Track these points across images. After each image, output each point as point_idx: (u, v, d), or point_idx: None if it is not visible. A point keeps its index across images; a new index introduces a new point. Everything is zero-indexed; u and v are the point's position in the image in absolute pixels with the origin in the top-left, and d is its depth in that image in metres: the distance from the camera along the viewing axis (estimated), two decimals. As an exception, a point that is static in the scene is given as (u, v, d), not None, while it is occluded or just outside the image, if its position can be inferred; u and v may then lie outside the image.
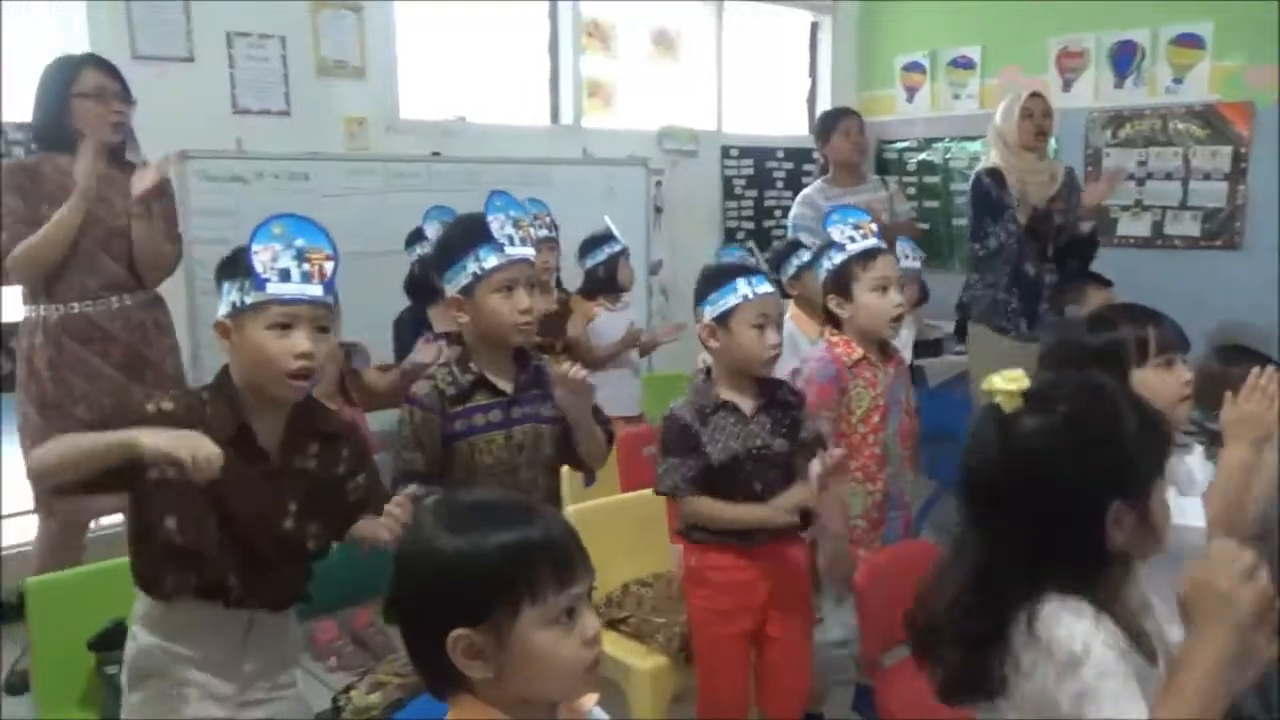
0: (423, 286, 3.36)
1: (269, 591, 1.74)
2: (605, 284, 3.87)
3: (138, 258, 2.93)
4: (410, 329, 3.34)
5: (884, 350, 2.55)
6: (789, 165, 5.98)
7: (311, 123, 4.09)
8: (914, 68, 5.98)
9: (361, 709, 2.06)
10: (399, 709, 2.11)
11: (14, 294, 2.99)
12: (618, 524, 2.73)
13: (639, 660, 2.44)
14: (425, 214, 3.46)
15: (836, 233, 2.52)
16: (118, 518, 3.07)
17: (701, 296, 2.24)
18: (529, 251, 2.04)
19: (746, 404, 2.20)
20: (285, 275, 1.63)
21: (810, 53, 6.22)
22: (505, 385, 2.04)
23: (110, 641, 2.13)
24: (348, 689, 2.14)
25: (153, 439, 1.52)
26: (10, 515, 3.33)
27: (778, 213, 5.90)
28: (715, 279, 2.23)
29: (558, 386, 1.99)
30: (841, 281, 2.50)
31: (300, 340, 1.65)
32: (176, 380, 3.06)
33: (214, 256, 3.59)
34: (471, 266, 1.99)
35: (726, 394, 2.19)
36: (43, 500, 2.88)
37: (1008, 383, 1.28)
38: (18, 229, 2.78)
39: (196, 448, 1.51)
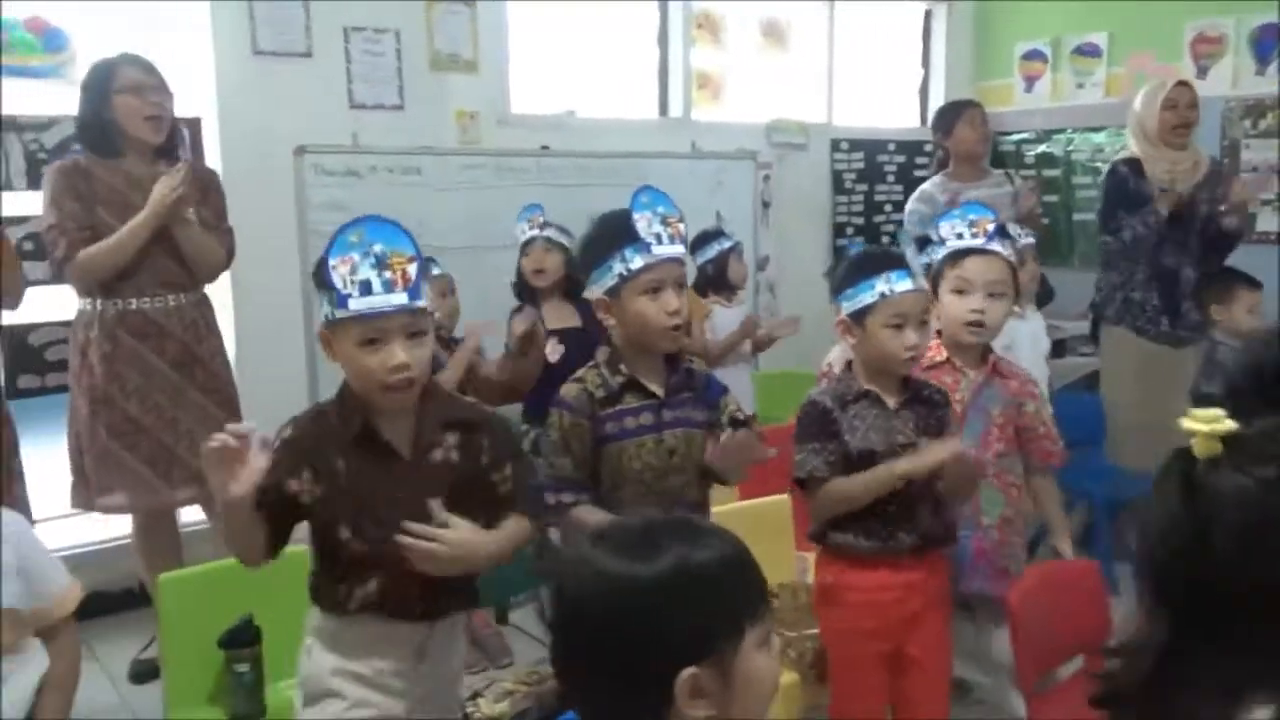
0: (524, 284, 3.32)
1: (439, 595, 1.68)
2: (716, 280, 3.80)
3: (188, 259, 2.95)
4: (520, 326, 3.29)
5: (980, 356, 2.39)
6: (900, 159, 5.80)
7: (424, 117, 4.09)
8: (1034, 56, 5.73)
9: (490, 718, 2.01)
10: (526, 717, 2.07)
11: (66, 289, 3.03)
12: (739, 530, 2.63)
13: (769, 676, 2.34)
14: (519, 212, 3.42)
15: (946, 228, 2.38)
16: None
17: (839, 289, 2.13)
18: (678, 250, 1.94)
19: (890, 398, 2.09)
20: (367, 288, 1.55)
21: (924, 42, 6.02)
22: (656, 388, 1.96)
23: (239, 639, 2.13)
24: (474, 696, 2.10)
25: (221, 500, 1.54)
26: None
27: (888, 207, 5.73)
28: (853, 272, 2.11)
29: (726, 453, 1.88)
30: (933, 280, 2.38)
31: (393, 353, 1.58)
32: (224, 380, 3.10)
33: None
34: (617, 267, 1.91)
35: (869, 384, 2.08)
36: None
37: (1204, 422, 0.93)
38: (81, 234, 2.82)
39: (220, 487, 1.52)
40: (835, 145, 5.55)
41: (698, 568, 0.99)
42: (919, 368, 2.23)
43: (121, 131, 2.87)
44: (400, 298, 1.56)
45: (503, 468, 1.75)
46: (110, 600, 3.33)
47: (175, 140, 3.02)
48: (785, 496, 2.77)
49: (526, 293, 3.36)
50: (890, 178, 5.78)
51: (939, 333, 2.36)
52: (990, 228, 2.33)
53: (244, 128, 3.69)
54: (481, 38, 4.23)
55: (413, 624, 1.68)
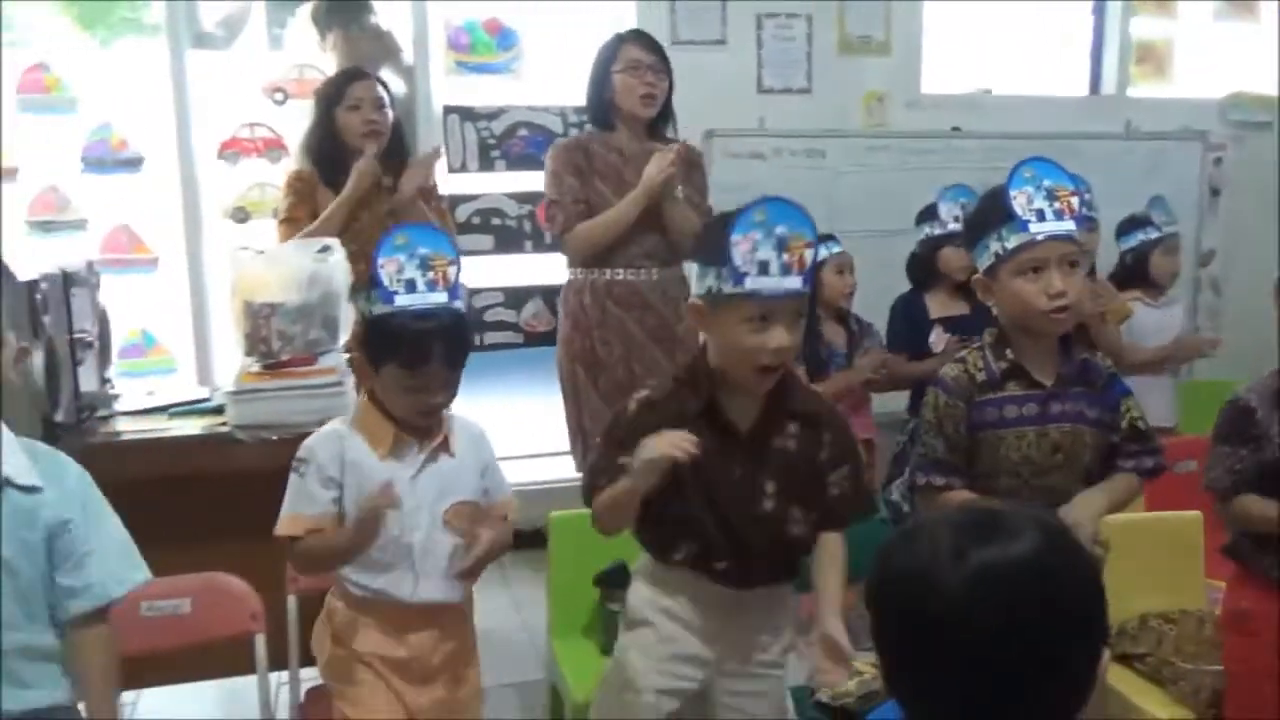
0: (926, 269, 3.20)
1: (752, 572, 1.72)
2: (1133, 274, 3.41)
3: (671, 234, 2.99)
4: (903, 314, 3.20)
5: None
6: (1401, 138, 4.84)
7: (831, 100, 4.09)
8: None
9: (838, 694, 2.00)
10: (874, 701, 2.03)
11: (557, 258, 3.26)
12: (1140, 545, 2.37)
13: (1157, 708, 2.09)
14: (942, 191, 3.28)
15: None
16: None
17: None
18: (1066, 226, 1.77)
19: None
20: (764, 268, 1.54)
21: None
22: (1044, 377, 1.83)
23: (613, 580, 2.30)
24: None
25: (643, 478, 1.58)
26: (538, 455, 3.76)
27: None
28: None
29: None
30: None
31: (777, 335, 1.59)
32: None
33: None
34: (993, 246, 1.80)
35: None
36: None
37: None
38: (576, 208, 2.98)
39: (672, 447, 1.55)
40: (1310, 123, 4.76)
41: (1072, 543, 0.92)
42: None
43: (617, 107, 2.99)
44: (794, 282, 1.57)
45: (840, 468, 1.73)
46: (525, 536, 3.71)
47: (667, 117, 3.10)
48: (1198, 514, 2.45)
49: (921, 276, 3.25)
50: (1385, 161, 4.84)
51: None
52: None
53: (662, 113, 3.93)
54: (895, 17, 4.14)
55: (723, 587, 1.72)
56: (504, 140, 3.79)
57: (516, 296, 3.88)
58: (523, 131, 3.81)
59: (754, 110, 3.96)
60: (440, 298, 1.69)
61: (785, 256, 1.54)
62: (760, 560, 1.71)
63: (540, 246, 3.85)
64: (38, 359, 2.11)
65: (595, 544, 2.31)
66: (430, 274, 1.68)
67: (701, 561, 1.70)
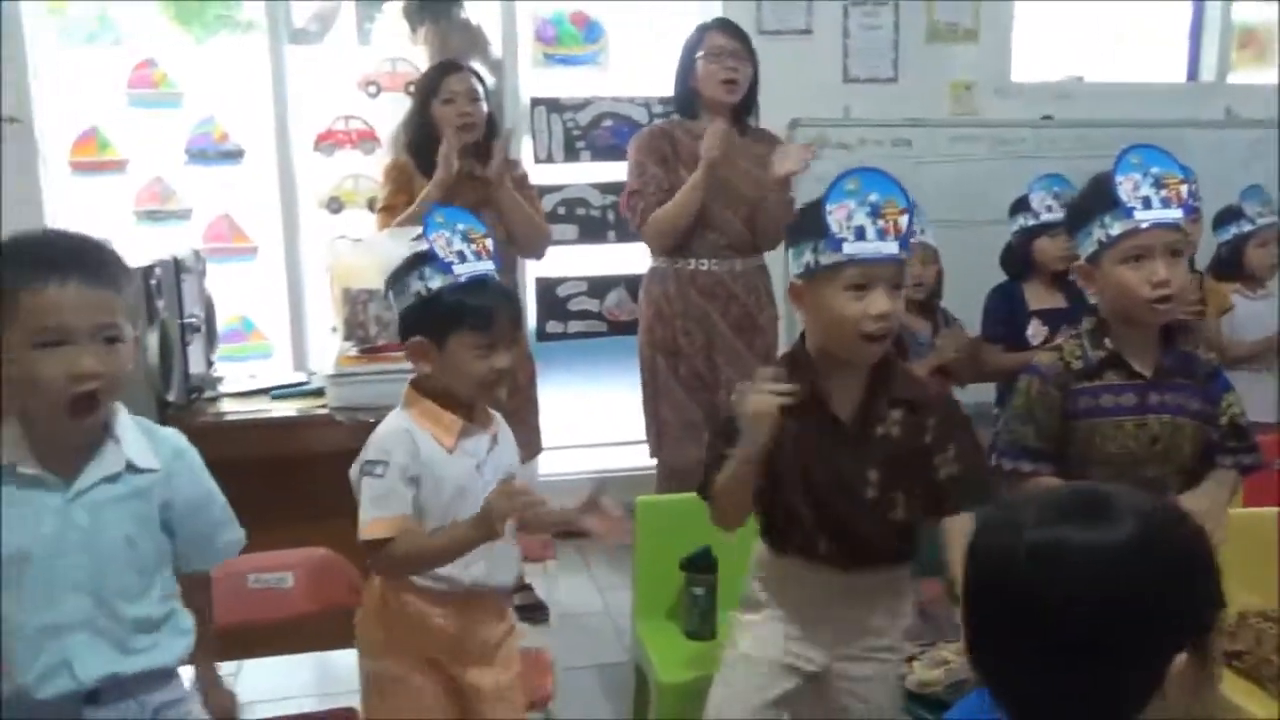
0: (1021, 260, 3.16)
1: (858, 557, 1.71)
2: (1229, 267, 3.33)
3: (756, 225, 3.01)
4: (1001, 304, 3.15)
5: None
6: None
7: (917, 89, 4.04)
8: None
9: (925, 682, 2.00)
10: (960, 691, 2.02)
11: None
12: (1238, 541, 2.30)
13: (1258, 708, 2.04)
14: (1031, 183, 3.23)
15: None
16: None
17: None
18: (1172, 214, 1.75)
19: None
20: (861, 233, 1.56)
21: None
22: (1143, 368, 1.81)
23: (698, 565, 2.33)
24: (910, 659, 2.09)
25: (751, 439, 1.59)
26: (620, 444, 3.79)
27: None
28: None
29: None
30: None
31: (877, 300, 1.59)
32: (773, 346, 3.11)
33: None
34: (1097, 233, 1.79)
35: None
36: None
37: None
38: (658, 196, 2.99)
39: (766, 398, 1.56)
40: None
41: (1177, 537, 0.90)
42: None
43: (701, 94, 3.01)
44: (891, 247, 1.58)
45: (945, 448, 1.70)
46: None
47: (750, 105, 3.08)
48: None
49: (1017, 267, 3.20)
50: None
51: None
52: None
53: (747, 102, 3.93)
54: (984, 4, 4.08)
55: (834, 571, 1.72)
56: (589, 131, 3.84)
57: (600, 286, 3.93)
58: (608, 122, 3.85)
59: (839, 100, 3.94)
60: (488, 265, 1.75)
61: (880, 223, 1.56)
62: (865, 546, 1.71)
63: (623, 236, 3.89)
64: (152, 341, 2.22)
65: (680, 528, 2.37)
66: (474, 245, 1.74)
67: (809, 547, 1.71)
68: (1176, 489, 1.80)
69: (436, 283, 1.71)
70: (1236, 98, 4.26)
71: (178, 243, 3.40)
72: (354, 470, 1.72)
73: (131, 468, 1.46)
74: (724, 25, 3.06)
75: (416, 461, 1.68)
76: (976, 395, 3.39)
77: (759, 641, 1.77)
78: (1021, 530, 0.91)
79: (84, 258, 1.37)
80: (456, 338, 1.70)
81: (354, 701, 2.15)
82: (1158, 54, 4.50)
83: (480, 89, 3.00)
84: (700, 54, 3.00)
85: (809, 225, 1.62)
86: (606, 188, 3.84)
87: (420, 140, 2.95)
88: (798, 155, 2.90)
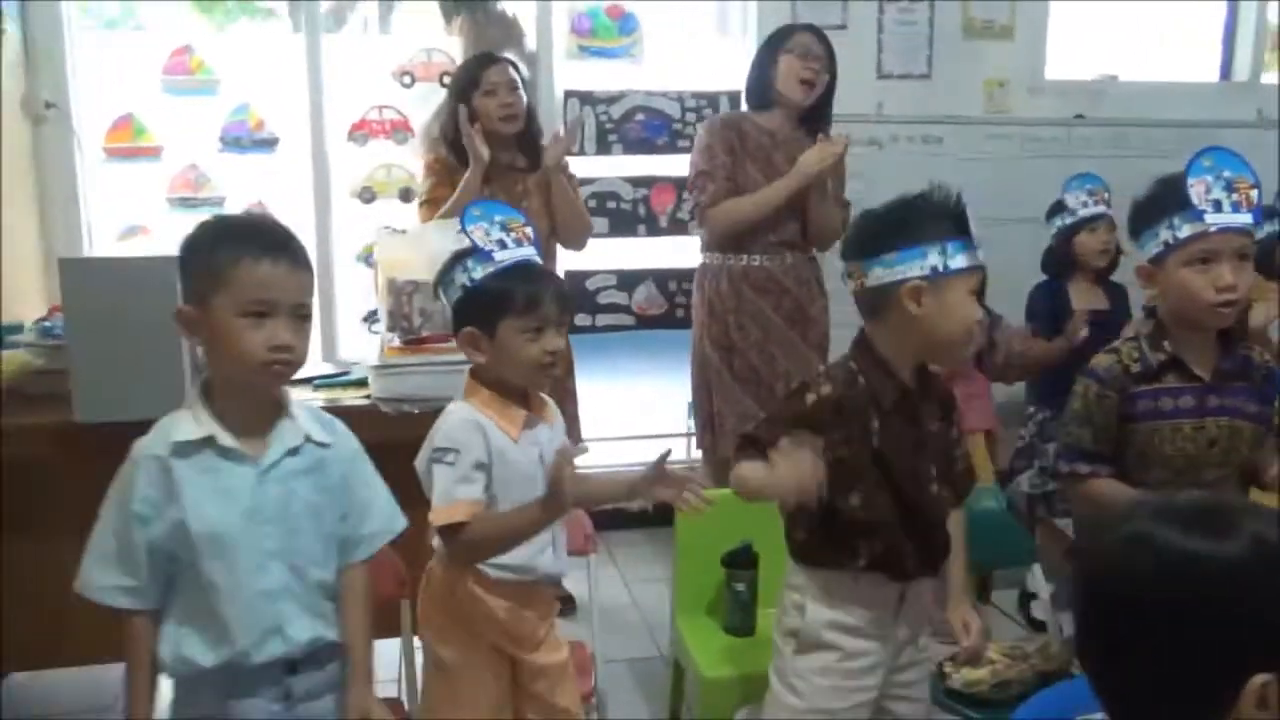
0: (1063, 259, 3.16)
1: (933, 558, 1.73)
2: (1264, 268, 3.32)
3: (813, 224, 3.04)
4: (1045, 301, 3.16)
5: None
6: None
7: (951, 86, 4.03)
8: None
9: (970, 682, 2.01)
10: (1005, 690, 2.03)
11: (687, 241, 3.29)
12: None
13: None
14: (1066, 183, 3.23)
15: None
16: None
17: None
18: (1241, 219, 1.76)
19: None
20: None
21: None
22: (1202, 371, 1.83)
23: (739, 561, 2.33)
24: (953, 658, 2.09)
25: (774, 494, 1.61)
26: (649, 437, 3.80)
27: None
28: None
29: None
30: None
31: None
32: (827, 338, 3.15)
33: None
34: (1164, 235, 1.80)
35: None
36: None
37: None
38: (726, 185, 3.00)
39: (798, 485, 1.54)
40: None
41: None
42: None
43: (777, 90, 3.02)
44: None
45: (960, 443, 1.81)
46: (628, 517, 3.76)
47: (823, 111, 3.09)
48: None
49: (1060, 267, 3.20)
50: None
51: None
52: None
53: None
54: (1020, 3, 4.06)
55: (902, 582, 1.73)
56: (621, 124, 3.84)
57: (629, 279, 3.93)
58: (640, 116, 3.85)
59: (872, 96, 3.93)
60: (529, 251, 1.77)
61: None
62: (936, 545, 1.73)
63: (653, 230, 3.89)
64: (202, 329, 2.22)
65: (720, 524, 2.36)
66: (513, 234, 1.76)
67: (887, 558, 1.69)
68: (1232, 491, 1.80)
69: (479, 272, 1.73)
70: (1268, 98, 4.24)
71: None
72: (421, 460, 1.73)
73: (310, 440, 1.54)
74: (813, 29, 3.08)
75: (486, 450, 1.69)
76: (1007, 393, 3.41)
77: (826, 683, 1.73)
78: (1148, 540, 0.93)
79: (291, 242, 1.49)
80: (505, 324, 1.71)
81: (396, 691, 2.18)
82: (1191, 54, 4.48)
83: (519, 80, 3.00)
84: (785, 50, 3.01)
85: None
86: (638, 181, 3.84)
87: (459, 134, 2.95)
88: (818, 154, 2.92)
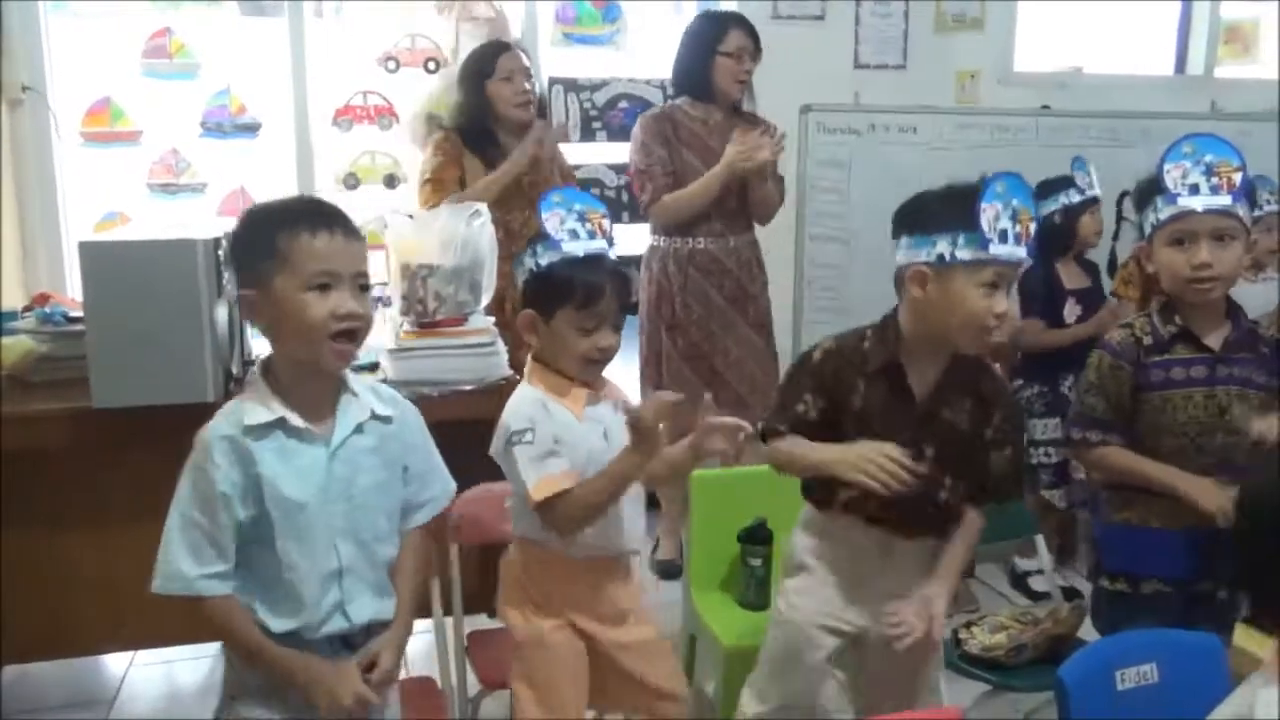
0: (1066, 235, 3.20)
1: (905, 522, 1.80)
2: None
3: (752, 205, 3.22)
4: (1039, 283, 3.25)
5: None
6: None
7: (924, 77, 4.15)
8: None
9: (988, 647, 2.09)
10: (1020, 654, 2.12)
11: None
12: None
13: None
14: (1073, 162, 3.24)
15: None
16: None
17: None
18: (1219, 201, 1.85)
19: None
20: (1004, 236, 1.66)
21: None
22: (1212, 341, 1.92)
23: (754, 537, 2.39)
24: (968, 624, 2.18)
25: (842, 468, 1.70)
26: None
27: None
28: None
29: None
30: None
31: (1001, 300, 1.69)
32: (767, 315, 3.32)
33: (826, 204, 3.83)
34: (1150, 216, 1.92)
35: None
36: None
37: None
38: (666, 179, 3.14)
39: (875, 465, 1.65)
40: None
41: None
42: None
43: (715, 85, 3.17)
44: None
45: (1004, 449, 1.83)
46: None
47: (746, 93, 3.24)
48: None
49: (1060, 244, 3.24)
50: None
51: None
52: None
53: (759, 88, 3.98)
54: (991, -2, 4.19)
55: (884, 532, 1.81)
56: (605, 111, 3.87)
57: (612, 265, 3.96)
58: (623, 103, 3.89)
59: (849, 86, 4.00)
60: (601, 244, 1.78)
61: (1017, 227, 1.67)
62: (909, 517, 1.79)
63: (638, 217, 3.92)
64: (221, 313, 2.21)
65: (734, 502, 2.44)
66: (589, 224, 1.78)
67: (862, 505, 1.78)
68: (1242, 459, 1.90)
69: (546, 258, 1.75)
70: (1221, 91, 4.42)
71: (191, 217, 3.38)
72: (497, 446, 1.75)
73: (375, 416, 1.57)
74: (743, 24, 3.20)
75: (555, 429, 1.72)
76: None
77: (800, 604, 1.87)
78: None
79: (341, 215, 1.53)
80: (562, 313, 1.74)
81: (431, 670, 2.20)
82: (1149, 46, 4.65)
83: (530, 67, 3.04)
84: (724, 48, 3.13)
85: (950, 218, 1.69)
86: (622, 168, 3.86)
87: (475, 117, 2.97)
88: (763, 143, 3.06)
